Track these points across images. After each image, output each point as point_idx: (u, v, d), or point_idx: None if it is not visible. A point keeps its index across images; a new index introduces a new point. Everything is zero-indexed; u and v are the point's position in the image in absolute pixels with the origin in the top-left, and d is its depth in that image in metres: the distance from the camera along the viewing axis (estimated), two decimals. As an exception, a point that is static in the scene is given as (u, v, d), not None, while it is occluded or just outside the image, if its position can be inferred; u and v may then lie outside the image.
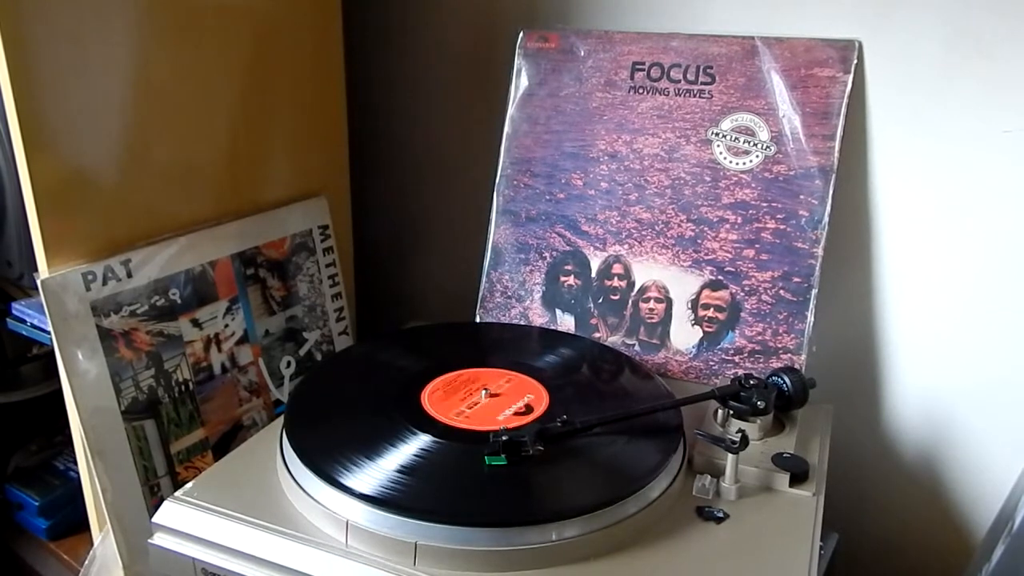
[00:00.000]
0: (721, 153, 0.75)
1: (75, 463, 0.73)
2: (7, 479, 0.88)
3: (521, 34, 0.82)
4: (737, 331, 0.73)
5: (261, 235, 0.78)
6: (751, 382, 0.61)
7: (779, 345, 0.72)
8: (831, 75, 0.71)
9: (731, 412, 0.61)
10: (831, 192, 0.71)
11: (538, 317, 0.81)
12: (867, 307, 0.76)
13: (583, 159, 0.79)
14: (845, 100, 0.70)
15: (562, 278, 0.80)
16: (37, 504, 0.84)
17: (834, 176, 0.71)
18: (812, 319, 0.71)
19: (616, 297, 0.78)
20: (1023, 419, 0.72)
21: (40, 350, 0.88)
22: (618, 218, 0.78)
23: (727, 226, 0.74)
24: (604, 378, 0.69)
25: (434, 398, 0.62)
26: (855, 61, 0.70)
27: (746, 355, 0.73)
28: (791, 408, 0.64)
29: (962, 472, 0.75)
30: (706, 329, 0.75)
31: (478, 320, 0.83)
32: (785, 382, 0.63)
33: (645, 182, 0.77)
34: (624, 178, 0.78)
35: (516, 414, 0.60)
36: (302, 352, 0.83)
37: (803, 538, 0.53)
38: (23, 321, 0.74)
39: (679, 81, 0.76)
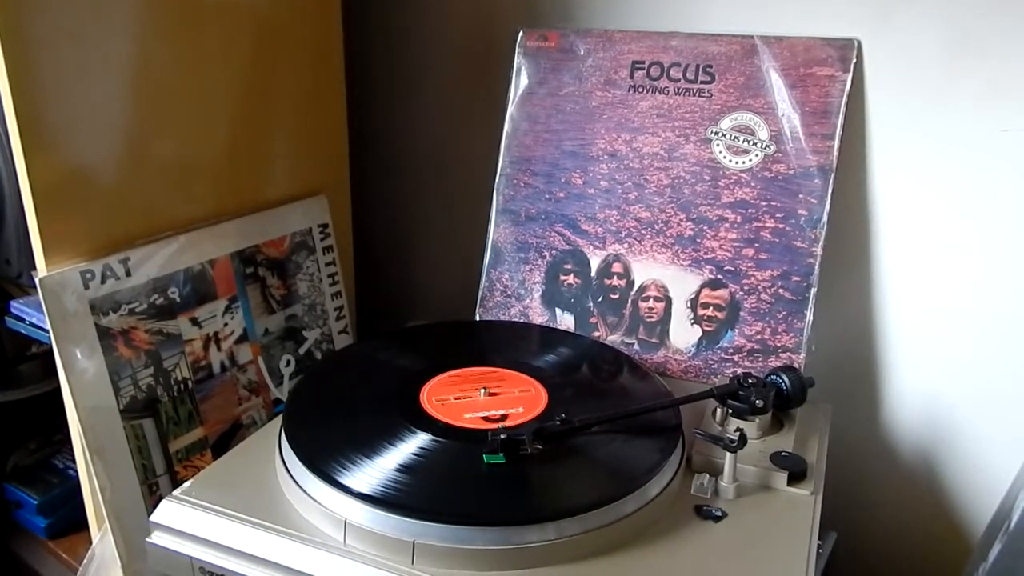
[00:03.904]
0: (721, 152, 0.75)
1: (74, 462, 0.73)
2: (6, 477, 0.88)
3: (521, 33, 0.82)
4: (736, 330, 0.73)
5: (261, 234, 0.78)
6: (750, 381, 0.61)
7: (778, 344, 0.72)
8: (830, 74, 0.71)
9: (730, 411, 0.61)
10: (830, 191, 0.71)
11: (538, 316, 0.81)
12: (866, 306, 0.76)
13: (583, 158, 0.79)
14: (844, 99, 0.70)
15: (562, 277, 0.80)
16: (36, 502, 0.84)
17: (833, 175, 0.70)
18: (811, 318, 0.71)
19: (616, 296, 0.78)
20: (1020, 418, 0.72)
21: (39, 348, 0.88)
22: (618, 217, 0.78)
23: (726, 225, 0.74)
24: (603, 377, 0.69)
25: (433, 397, 0.62)
26: (854, 60, 0.70)
27: (745, 354, 0.73)
28: (790, 407, 0.64)
29: (960, 471, 0.75)
30: (705, 328, 0.75)
31: (478, 319, 0.83)
32: (784, 381, 0.63)
33: (645, 181, 0.77)
34: (624, 177, 0.78)
35: (514, 413, 0.60)
36: (302, 351, 0.83)
37: (801, 537, 0.53)
38: (22, 319, 0.74)
39: (679, 80, 0.76)
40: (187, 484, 0.56)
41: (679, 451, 0.59)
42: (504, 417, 0.59)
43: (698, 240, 0.75)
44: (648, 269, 0.77)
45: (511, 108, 0.82)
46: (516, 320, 0.81)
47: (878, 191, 0.73)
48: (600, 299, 0.79)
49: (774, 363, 0.71)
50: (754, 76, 0.74)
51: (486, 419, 0.59)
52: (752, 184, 0.73)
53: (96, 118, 0.64)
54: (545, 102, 0.81)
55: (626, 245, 0.78)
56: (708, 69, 0.75)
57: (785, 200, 0.72)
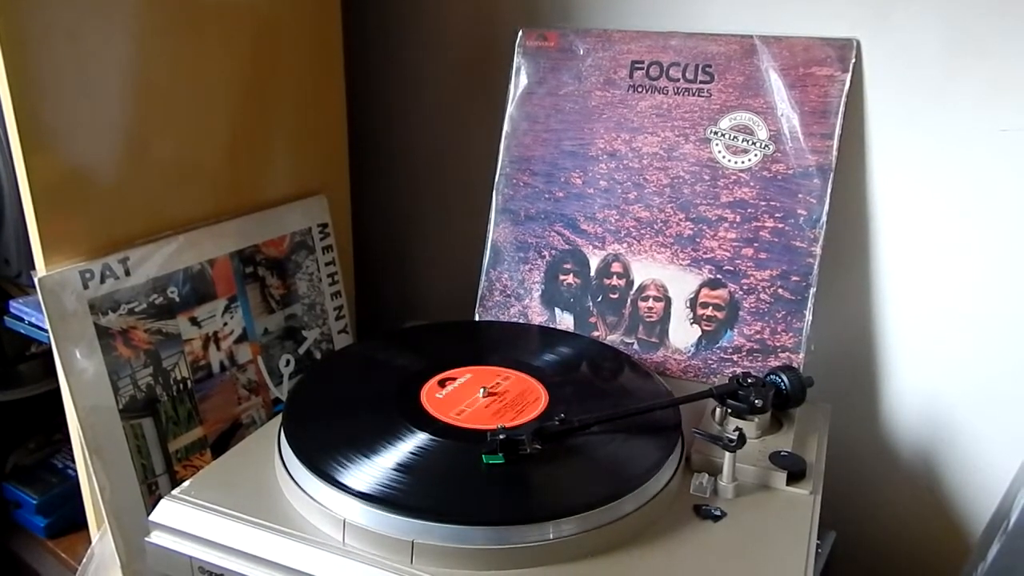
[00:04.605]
0: (720, 152, 0.75)
1: (73, 461, 0.73)
2: (5, 477, 0.88)
3: (520, 33, 0.82)
4: (736, 330, 0.73)
5: (260, 233, 0.78)
6: (749, 381, 0.61)
7: (777, 344, 0.72)
8: (829, 74, 0.71)
9: (729, 411, 0.61)
10: (829, 191, 0.71)
11: (537, 316, 0.81)
12: (865, 306, 0.76)
13: (582, 158, 0.79)
14: (843, 99, 0.70)
15: (561, 277, 0.80)
16: (35, 502, 0.84)
17: (832, 175, 0.70)
18: (810, 318, 0.71)
19: (615, 296, 0.78)
20: (1020, 417, 0.72)
21: (38, 348, 0.88)
22: (617, 217, 0.78)
23: (726, 225, 0.74)
24: (603, 377, 0.69)
25: (432, 396, 0.62)
26: (853, 60, 0.70)
27: (744, 354, 0.73)
28: (789, 407, 0.64)
29: (959, 471, 0.75)
30: (705, 328, 0.75)
31: (477, 319, 0.83)
32: (783, 381, 0.63)
33: (644, 181, 0.77)
34: (623, 177, 0.78)
35: (514, 413, 0.60)
36: (301, 351, 0.83)
37: (800, 536, 0.53)
38: (21, 319, 0.74)
39: (678, 80, 0.76)
40: (186, 484, 0.56)
41: (678, 450, 0.59)
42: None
43: (697, 240, 0.75)
44: (647, 269, 0.77)
45: (510, 108, 0.82)
46: (515, 320, 0.81)
47: (877, 191, 0.73)
48: (599, 299, 0.79)
49: (773, 363, 0.71)
50: (753, 76, 0.74)
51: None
52: (751, 184, 0.73)
53: (95, 118, 0.64)
54: (544, 102, 0.81)
55: (625, 245, 0.78)
56: (707, 69, 0.75)
57: (784, 200, 0.72)
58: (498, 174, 0.82)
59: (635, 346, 0.77)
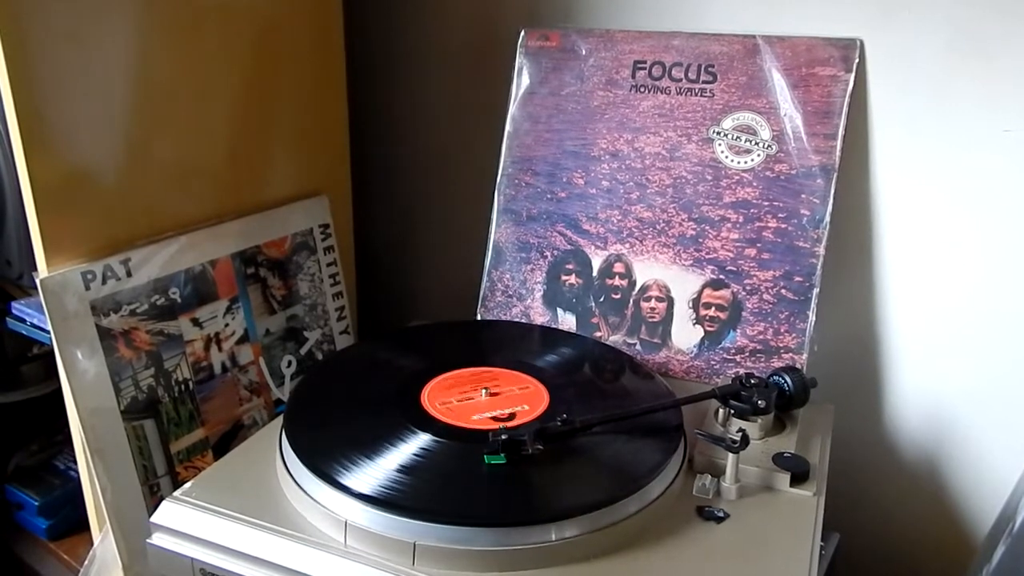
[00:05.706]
0: (722, 152, 0.74)
1: (75, 463, 0.73)
2: (7, 479, 0.88)
3: (522, 33, 0.82)
4: (738, 330, 0.73)
5: (262, 234, 0.78)
6: (752, 381, 0.61)
7: (780, 344, 0.71)
8: (833, 74, 0.71)
9: (732, 411, 0.61)
10: (832, 191, 0.70)
11: (539, 316, 0.80)
12: (868, 306, 0.76)
13: (584, 158, 0.79)
14: (847, 99, 0.70)
15: (563, 277, 0.80)
16: (37, 504, 0.84)
17: (836, 175, 0.70)
18: (813, 318, 0.70)
19: (617, 296, 0.78)
20: (1025, 419, 0.72)
21: (40, 349, 0.88)
22: (619, 217, 0.78)
23: (728, 225, 0.74)
24: (605, 377, 0.69)
25: (434, 397, 0.62)
26: (857, 60, 0.70)
27: (747, 354, 0.73)
28: (792, 408, 0.64)
29: (963, 472, 0.75)
30: (707, 328, 0.74)
31: (479, 319, 0.83)
32: (786, 381, 0.63)
33: (647, 181, 0.77)
34: (625, 177, 0.78)
35: (515, 413, 0.60)
36: (303, 351, 0.83)
37: (804, 538, 0.53)
38: (23, 320, 0.74)
39: (680, 80, 0.76)
40: (188, 485, 0.56)
41: (681, 452, 0.59)
42: (512, 416, 0.59)
43: (700, 240, 0.75)
44: (650, 269, 0.77)
45: (512, 108, 0.82)
46: (517, 320, 0.81)
47: (880, 191, 0.73)
48: (602, 299, 0.78)
49: (776, 363, 0.71)
50: (756, 76, 0.73)
51: (495, 419, 0.59)
52: (754, 184, 0.73)
53: (97, 118, 0.64)
54: (547, 102, 0.81)
55: (628, 245, 0.77)
56: (710, 69, 0.75)
57: (787, 200, 0.72)
58: (500, 174, 0.82)
59: (637, 347, 0.77)
